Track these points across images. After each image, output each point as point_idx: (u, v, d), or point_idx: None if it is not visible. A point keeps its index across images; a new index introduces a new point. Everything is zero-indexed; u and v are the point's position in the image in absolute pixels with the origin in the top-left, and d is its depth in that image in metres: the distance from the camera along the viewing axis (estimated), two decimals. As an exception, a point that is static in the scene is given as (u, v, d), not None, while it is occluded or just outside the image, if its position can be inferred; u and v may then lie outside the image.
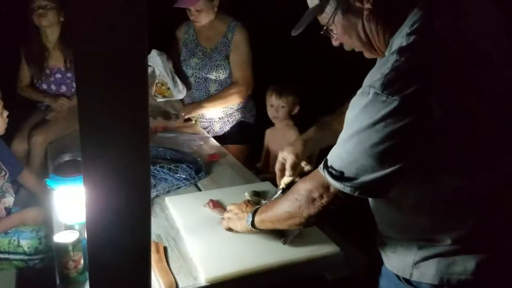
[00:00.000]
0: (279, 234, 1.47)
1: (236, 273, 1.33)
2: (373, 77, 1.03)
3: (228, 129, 2.87)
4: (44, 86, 2.83)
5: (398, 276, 1.23)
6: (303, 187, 1.21)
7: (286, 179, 1.57)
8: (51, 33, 2.75)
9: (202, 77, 2.77)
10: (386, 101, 0.98)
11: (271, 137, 2.69)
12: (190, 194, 1.88)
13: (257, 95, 2.91)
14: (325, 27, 1.22)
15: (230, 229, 1.52)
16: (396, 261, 1.23)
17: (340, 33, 1.20)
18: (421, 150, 1.03)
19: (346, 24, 1.17)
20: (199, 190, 1.95)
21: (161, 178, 1.97)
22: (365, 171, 1.05)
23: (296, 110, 2.56)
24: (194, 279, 1.32)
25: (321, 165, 1.15)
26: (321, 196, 1.16)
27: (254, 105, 2.96)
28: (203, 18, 2.67)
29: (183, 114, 2.74)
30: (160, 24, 2.35)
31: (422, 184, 1.11)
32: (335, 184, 1.10)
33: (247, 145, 2.84)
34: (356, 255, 1.52)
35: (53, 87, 2.83)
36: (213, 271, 1.33)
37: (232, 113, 2.85)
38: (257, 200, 1.73)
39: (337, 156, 1.10)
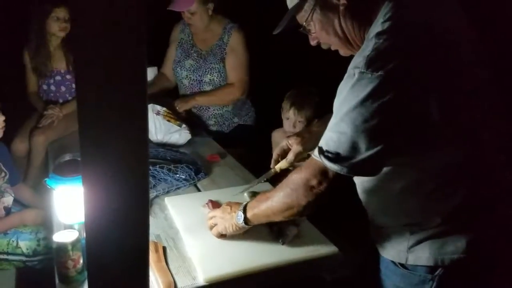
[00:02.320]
0: (277, 235, 1.48)
1: (234, 273, 1.34)
2: (356, 61, 1.11)
3: (227, 132, 2.87)
4: (45, 87, 2.85)
5: (394, 263, 1.28)
6: (299, 177, 1.23)
7: (283, 164, 1.58)
8: (55, 38, 2.78)
9: (196, 79, 2.76)
10: (371, 77, 1.06)
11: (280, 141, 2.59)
12: (189, 195, 1.88)
13: (255, 97, 2.92)
14: (304, 24, 1.28)
15: (222, 236, 1.49)
16: (391, 248, 1.28)
17: (318, 29, 1.27)
18: (410, 123, 1.09)
19: (324, 20, 1.24)
20: (199, 190, 1.96)
21: (161, 178, 1.97)
22: (360, 149, 1.09)
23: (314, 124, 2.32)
24: (192, 279, 1.33)
25: (316, 152, 1.19)
26: (319, 183, 1.19)
27: (252, 106, 2.95)
28: (197, 21, 2.65)
29: (178, 107, 2.69)
30: (157, 24, 2.36)
31: (407, 167, 1.17)
32: (333, 167, 1.13)
33: (248, 148, 2.83)
34: (354, 255, 1.52)
35: (52, 87, 2.84)
36: (211, 271, 1.33)
37: (228, 116, 2.84)
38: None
39: (331, 140, 1.14)
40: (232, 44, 2.70)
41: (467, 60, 1.21)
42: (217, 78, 2.72)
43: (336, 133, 1.13)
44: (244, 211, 1.41)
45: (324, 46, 1.34)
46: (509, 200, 1.25)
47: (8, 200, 2.16)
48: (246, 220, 1.40)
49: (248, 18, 2.80)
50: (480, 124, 1.20)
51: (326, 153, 1.14)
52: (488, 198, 1.21)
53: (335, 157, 1.13)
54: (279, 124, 2.50)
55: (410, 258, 1.23)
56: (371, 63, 1.06)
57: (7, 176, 2.18)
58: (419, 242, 1.22)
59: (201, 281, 1.32)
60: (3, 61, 2.85)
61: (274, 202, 1.31)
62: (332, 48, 1.32)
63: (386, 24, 1.12)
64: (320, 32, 1.27)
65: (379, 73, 1.05)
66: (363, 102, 1.07)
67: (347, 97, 1.10)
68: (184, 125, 2.50)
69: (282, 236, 1.47)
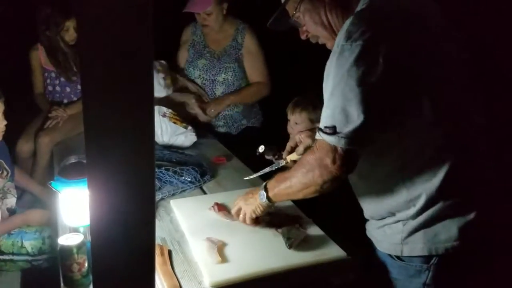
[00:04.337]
0: (284, 238, 1.47)
1: (240, 277, 1.32)
2: (337, 39, 1.20)
3: (234, 134, 2.86)
4: (50, 88, 2.86)
5: (390, 256, 1.34)
6: (313, 157, 1.29)
7: (294, 156, 1.65)
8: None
9: (209, 79, 2.77)
10: (351, 48, 1.14)
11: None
12: (195, 197, 1.87)
13: (263, 100, 2.90)
14: (294, 14, 1.38)
15: (256, 221, 1.56)
16: (386, 242, 1.35)
17: (306, 20, 1.36)
18: (392, 90, 1.17)
19: (312, 9, 1.34)
20: (204, 193, 1.94)
21: (166, 181, 1.96)
22: (352, 117, 1.15)
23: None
24: (198, 283, 1.31)
25: (318, 133, 1.26)
26: (333, 161, 1.22)
27: (260, 109, 2.95)
28: (213, 21, 2.68)
29: (212, 111, 2.72)
30: (165, 25, 2.35)
31: (392, 146, 1.25)
32: (331, 140, 1.20)
33: (254, 150, 2.81)
34: (362, 259, 1.50)
35: (58, 88, 2.85)
36: (217, 275, 1.32)
37: (237, 118, 2.84)
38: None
39: (326, 116, 1.22)
40: (247, 46, 2.74)
41: (441, 40, 1.29)
42: (231, 77, 2.74)
43: (330, 109, 1.20)
44: (266, 190, 1.47)
45: (313, 40, 1.42)
46: (493, 181, 1.32)
47: (11, 201, 2.16)
48: (269, 199, 1.47)
49: (256, 21, 2.79)
50: (459, 102, 1.27)
51: (325, 129, 1.21)
52: (470, 179, 1.27)
53: (332, 131, 1.19)
54: (286, 128, 2.49)
55: (405, 250, 1.30)
56: (350, 35, 1.15)
57: (10, 174, 2.18)
58: (412, 233, 1.28)
59: (207, 285, 1.30)
60: (9, 62, 2.86)
61: (293, 182, 1.37)
62: (320, 42, 1.40)
63: (363, 7, 1.25)
64: (308, 22, 1.36)
65: (358, 42, 1.13)
66: (348, 72, 1.14)
67: (333, 72, 1.18)
68: (190, 127, 2.49)
69: (289, 240, 1.45)
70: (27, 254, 2.03)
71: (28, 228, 2.10)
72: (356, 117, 1.15)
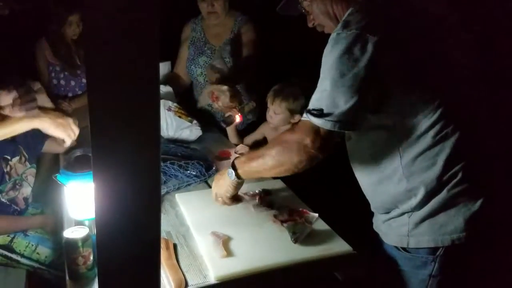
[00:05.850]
0: (290, 233, 1.46)
1: (246, 271, 1.32)
2: (336, 28, 1.25)
3: (240, 130, 2.83)
4: (55, 82, 2.86)
5: (397, 248, 1.36)
6: (293, 136, 1.32)
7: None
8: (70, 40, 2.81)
9: None
10: (346, 36, 1.18)
11: (269, 132, 2.45)
12: (200, 191, 1.86)
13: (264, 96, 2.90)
14: (302, 1, 1.43)
15: (232, 200, 1.65)
16: (393, 235, 1.37)
17: (313, 9, 1.40)
18: (382, 76, 1.20)
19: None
20: (210, 187, 1.93)
21: (172, 174, 1.96)
22: (339, 103, 1.20)
23: (296, 119, 2.20)
24: (203, 277, 1.31)
25: (304, 114, 1.29)
26: (312, 142, 1.26)
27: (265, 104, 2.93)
28: (219, 8, 2.60)
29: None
30: (167, 21, 2.34)
31: (388, 133, 1.28)
32: (317, 121, 1.24)
33: (258, 145, 2.79)
34: (368, 254, 1.50)
35: (62, 82, 2.86)
36: (222, 270, 1.32)
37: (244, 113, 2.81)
38: (269, 199, 1.72)
39: (315, 99, 1.26)
40: (242, 30, 2.66)
41: (444, 35, 1.31)
42: None
43: (319, 92, 1.25)
44: (234, 168, 1.52)
45: (319, 29, 1.45)
46: (497, 170, 1.34)
47: (27, 191, 2.16)
48: (238, 176, 1.52)
49: (257, 17, 2.78)
50: (459, 94, 1.29)
51: (312, 111, 1.25)
52: (473, 169, 1.27)
53: (319, 114, 1.23)
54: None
55: (411, 241, 1.32)
56: (346, 25, 1.20)
57: (27, 160, 2.17)
58: (418, 225, 1.30)
59: (212, 279, 1.30)
60: (14, 55, 2.86)
61: (266, 160, 1.39)
62: (326, 31, 1.42)
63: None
64: (315, 11, 1.41)
65: (352, 30, 1.17)
66: (340, 58, 1.18)
67: (326, 58, 1.23)
68: (195, 121, 2.48)
69: (294, 234, 1.45)
70: (37, 261, 2.01)
71: (48, 235, 2.10)
72: (343, 103, 1.19)
